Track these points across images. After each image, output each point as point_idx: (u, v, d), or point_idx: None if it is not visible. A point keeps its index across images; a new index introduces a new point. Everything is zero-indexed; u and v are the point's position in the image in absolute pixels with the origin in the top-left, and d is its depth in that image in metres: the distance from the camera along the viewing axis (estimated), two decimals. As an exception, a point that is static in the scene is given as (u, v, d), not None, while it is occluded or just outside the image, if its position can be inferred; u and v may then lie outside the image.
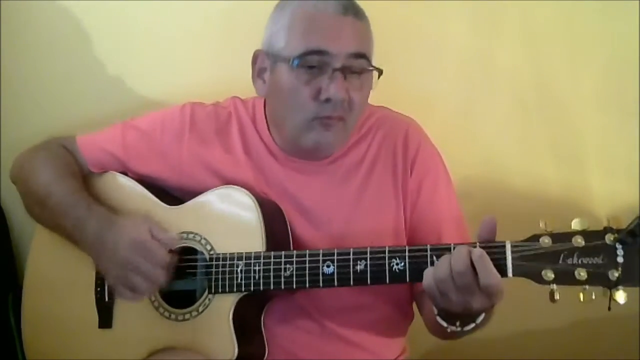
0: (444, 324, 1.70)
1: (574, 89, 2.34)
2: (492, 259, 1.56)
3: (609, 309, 1.51)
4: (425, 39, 2.36)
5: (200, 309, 1.83)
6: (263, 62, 1.87)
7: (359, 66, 1.80)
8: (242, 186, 1.87)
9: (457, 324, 1.68)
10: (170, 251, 1.81)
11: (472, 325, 1.67)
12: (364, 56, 1.80)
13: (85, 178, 2.03)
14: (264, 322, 1.87)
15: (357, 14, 1.82)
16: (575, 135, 2.36)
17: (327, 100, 1.77)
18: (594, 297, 1.52)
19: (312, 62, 1.77)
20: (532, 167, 2.39)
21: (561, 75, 2.34)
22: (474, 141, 2.40)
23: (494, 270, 1.54)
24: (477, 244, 1.60)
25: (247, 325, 1.83)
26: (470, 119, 2.40)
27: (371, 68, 1.83)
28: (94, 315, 1.94)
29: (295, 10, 1.81)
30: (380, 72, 1.84)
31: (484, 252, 1.55)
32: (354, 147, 1.95)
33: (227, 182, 1.91)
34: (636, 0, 2.25)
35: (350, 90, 1.79)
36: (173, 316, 1.85)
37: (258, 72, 1.90)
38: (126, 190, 2.00)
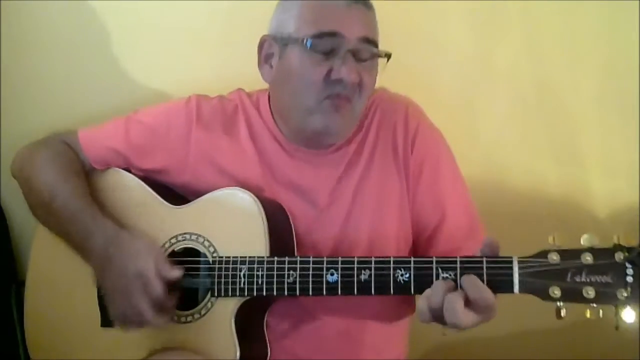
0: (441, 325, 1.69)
1: (574, 89, 2.35)
2: (498, 274, 1.57)
3: (617, 328, 1.50)
4: (426, 38, 2.36)
5: (203, 311, 1.82)
6: (270, 48, 1.88)
7: (369, 51, 1.82)
8: (248, 182, 1.88)
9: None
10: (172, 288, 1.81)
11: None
12: (373, 42, 1.83)
13: (87, 175, 2.02)
14: (266, 323, 1.88)
15: (366, 3, 1.84)
16: (575, 135, 2.37)
17: (339, 80, 1.78)
18: (601, 315, 1.51)
19: (324, 45, 1.78)
20: (532, 166, 2.40)
21: (561, 75, 2.35)
22: (474, 140, 2.40)
23: (459, 311, 1.53)
24: (484, 259, 1.59)
25: (249, 328, 1.83)
26: (470, 119, 2.40)
27: (380, 52, 1.85)
28: (96, 314, 1.93)
29: (305, 2, 1.82)
30: (389, 56, 1.86)
31: (453, 294, 1.55)
32: (355, 132, 1.94)
33: (233, 178, 1.91)
34: (636, 0, 2.25)
35: (361, 73, 1.80)
36: (175, 318, 1.85)
37: (265, 58, 1.90)
38: (130, 189, 2.00)
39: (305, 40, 1.78)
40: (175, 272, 1.79)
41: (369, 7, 1.85)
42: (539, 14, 2.32)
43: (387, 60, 1.86)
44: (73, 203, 1.90)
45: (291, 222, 1.88)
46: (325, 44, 1.78)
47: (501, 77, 2.38)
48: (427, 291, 1.59)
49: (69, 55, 2.35)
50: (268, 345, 1.88)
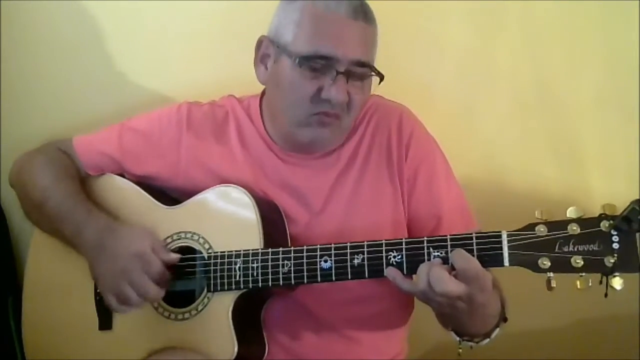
0: (457, 339, 1.76)
1: (574, 89, 2.34)
2: (488, 249, 1.60)
3: (606, 295, 1.52)
4: (426, 38, 2.36)
5: (200, 307, 1.83)
6: (267, 49, 1.87)
7: (362, 73, 1.81)
8: (241, 185, 1.87)
9: (474, 340, 1.77)
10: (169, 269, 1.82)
11: (487, 340, 1.77)
12: (367, 64, 1.81)
13: (82, 181, 2.03)
14: (263, 320, 1.88)
15: (367, 17, 1.81)
16: (575, 135, 2.36)
17: (327, 99, 1.78)
18: (590, 284, 1.53)
19: (316, 65, 1.77)
20: (532, 166, 2.39)
21: (561, 75, 2.35)
22: (474, 140, 2.40)
23: (446, 279, 1.56)
24: (474, 234, 1.62)
25: (246, 323, 1.83)
26: (470, 119, 2.40)
27: (373, 74, 1.84)
28: (94, 317, 1.94)
29: (306, 7, 1.80)
30: (382, 78, 1.85)
31: (434, 264, 1.59)
32: (349, 137, 1.95)
33: (226, 182, 1.90)
34: (636, 0, 2.25)
35: (351, 92, 1.80)
36: (173, 316, 1.86)
37: (261, 58, 1.90)
38: (124, 192, 2.01)
39: (296, 59, 1.77)
40: (172, 256, 1.82)
41: (370, 22, 1.83)
42: (539, 14, 2.31)
43: (380, 82, 1.85)
44: (66, 202, 1.92)
45: (284, 217, 1.88)
46: (318, 64, 1.77)
47: (501, 77, 2.37)
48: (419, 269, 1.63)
49: (69, 56, 2.35)
50: (266, 341, 1.88)
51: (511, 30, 2.34)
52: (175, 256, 1.83)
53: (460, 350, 1.76)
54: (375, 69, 1.84)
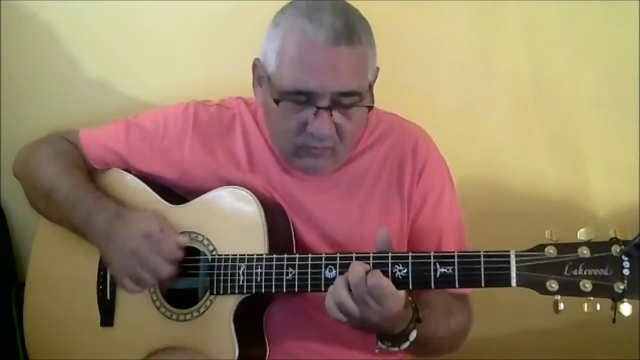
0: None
1: (574, 89, 2.34)
2: (496, 268, 1.58)
3: (614, 320, 1.51)
4: (425, 38, 2.35)
5: (202, 309, 1.83)
6: (261, 71, 1.83)
7: (348, 102, 1.75)
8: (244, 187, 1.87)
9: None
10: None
11: (407, 343, 1.72)
12: (353, 93, 1.75)
13: (89, 173, 2.03)
14: (265, 323, 1.88)
15: (351, 39, 1.71)
16: (575, 135, 2.36)
17: (312, 134, 1.76)
18: (598, 308, 1.51)
19: (298, 99, 1.74)
20: (532, 167, 2.39)
21: (561, 75, 2.34)
22: (474, 141, 2.39)
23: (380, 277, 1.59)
24: (482, 252, 1.60)
25: (248, 326, 1.83)
26: (470, 119, 2.39)
27: (361, 105, 1.78)
28: (95, 314, 1.95)
29: (286, 37, 1.74)
30: (370, 108, 1.80)
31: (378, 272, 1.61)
32: (361, 155, 1.93)
33: (229, 184, 1.90)
34: (636, 0, 2.25)
35: (339, 123, 1.76)
36: (174, 316, 1.86)
37: (257, 80, 1.87)
38: (130, 188, 2.00)
39: (277, 94, 1.75)
40: (180, 238, 1.83)
41: (356, 44, 1.72)
42: (539, 14, 2.31)
43: (369, 111, 1.80)
44: (75, 191, 1.93)
45: (289, 220, 1.88)
46: (299, 99, 1.74)
47: (501, 77, 2.36)
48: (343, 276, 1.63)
49: (69, 55, 2.35)
50: (267, 345, 1.88)
51: (511, 30, 2.33)
52: (183, 238, 1.84)
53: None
54: (367, 92, 1.78)
